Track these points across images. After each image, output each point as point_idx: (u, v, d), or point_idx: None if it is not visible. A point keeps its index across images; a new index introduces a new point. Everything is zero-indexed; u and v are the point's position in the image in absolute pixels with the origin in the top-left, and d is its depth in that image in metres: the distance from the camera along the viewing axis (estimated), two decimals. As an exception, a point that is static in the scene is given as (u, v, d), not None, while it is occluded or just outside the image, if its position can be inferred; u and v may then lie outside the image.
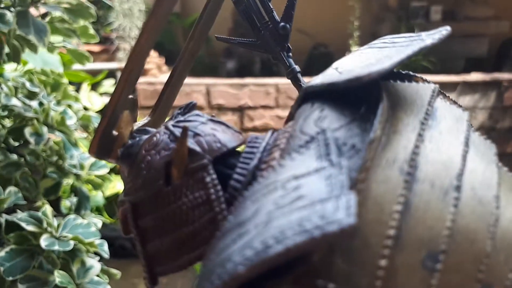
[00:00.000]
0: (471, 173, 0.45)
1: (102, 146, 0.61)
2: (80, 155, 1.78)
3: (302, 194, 0.39)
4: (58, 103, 1.84)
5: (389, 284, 0.40)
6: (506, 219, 0.44)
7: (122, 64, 2.64)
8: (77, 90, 2.21)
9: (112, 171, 2.36)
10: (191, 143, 0.55)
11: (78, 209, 1.74)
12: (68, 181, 1.82)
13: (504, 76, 3.62)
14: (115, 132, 0.62)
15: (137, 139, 0.62)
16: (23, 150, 1.78)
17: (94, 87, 2.47)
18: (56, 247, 1.53)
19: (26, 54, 1.74)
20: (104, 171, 1.87)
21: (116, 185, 2.32)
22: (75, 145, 1.84)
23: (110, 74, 2.60)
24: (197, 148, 0.55)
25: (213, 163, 0.55)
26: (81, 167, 1.80)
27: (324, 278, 0.39)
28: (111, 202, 2.35)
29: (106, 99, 2.58)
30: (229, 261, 0.36)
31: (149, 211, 0.54)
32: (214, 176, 0.54)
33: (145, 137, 0.61)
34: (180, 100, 3.12)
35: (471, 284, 0.41)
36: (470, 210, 0.43)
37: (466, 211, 0.43)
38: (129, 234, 0.56)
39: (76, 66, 2.47)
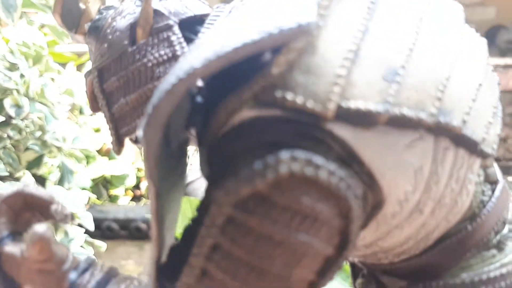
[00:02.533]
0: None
1: (68, 15, 0.60)
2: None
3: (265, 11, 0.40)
4: (41, 75, 1.81)
5: (347, 93, 0.39)
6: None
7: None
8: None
9: (99, 152, 2.33)
10: (156, 4, 0.56)
11: (61, 182, 1.71)
12: (51, 155, 1.78)
13: (489, 62, 3.59)
14: (82, 5, 0.61)
15: (104, 14, 0.61)
16: (6, 126, 1.74)
17: (80, 68, 2.45)
18: None
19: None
20: (87, 145, 1.84)
21: (103, 168, 2.29)
22: (57, 118, 1.81)
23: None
24: (163, 10, 0.56)
25: (180, 27, 0.55)
26: (63, 140, 1.77)
27: (282, 89, 0.39)
28: (98, 184, 2.32)
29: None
30: (186, 63, 0.37)
31: (115, 72, 0.54)
32: (180, 35, 0.55)
33: (112, 11, 0.61)
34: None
35: (431, 101, 0.41)
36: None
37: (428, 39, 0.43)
38: (97, 110, 0.55)
39: (61, 48, 2.44)
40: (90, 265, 0.46)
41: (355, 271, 0.59)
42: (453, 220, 0.47)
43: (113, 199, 2.31)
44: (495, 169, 0.52)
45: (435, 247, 0.49)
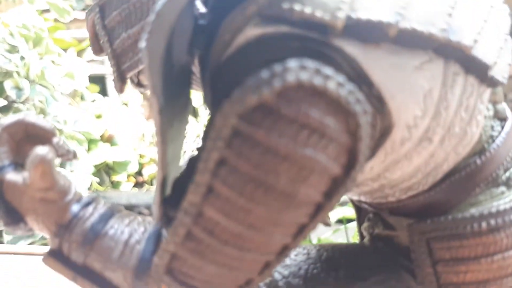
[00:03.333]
0: None
1: None
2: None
3: None
4: (41, 58, 1.80)
5: (357, 3, 0.38)
6: None
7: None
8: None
9: (101, 139, 2.32)
10: None
11: (63, 165, 1.70)
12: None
13: None
14: None
15: None
16: (7, 110, 1.73)
17: (81, 54, 2.44)
18: None
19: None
20: (88, 128, 1.83)
21: (105, 154, 2.28)
22: (57, 101, 1.80)
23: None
24: None
25: None
26: (65, 122, 1.76)
27: (289, 0, 0.38)
28: (100, 170, 2.31)
29: (93, 66, 2.54)
30: None
31: (116, 7, 0.51)
32: None
33: None
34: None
35: (442, 17, 0.40)
36: None
37: None
38: (98, 53, 0.53)
39: (62, 34, 2.43)
40: (93, 200, 0.45)
41: (361, 215, 0.59)
42: (462, 152, 0.46)
43: (115, 185, 2.30)
44: (505, 106, 0.51)
45: (444, 182, 0.48)
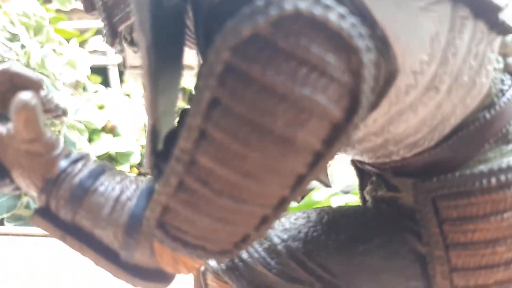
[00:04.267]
0: None
1: None
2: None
3: None
4: (42, 46, 1.79)
5: None
6: None
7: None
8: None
9: (103, 130, 2.30)
10: None
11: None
12: (53, 127, 1.75)
13: None
14: None
15: None
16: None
17: (83, 45, 2.42)
18: None
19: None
20: (89, 117, 1.82)
21: (108, 145, 2.27)
22: (58, 89, 1.78)
23: (99, 31, 2.55)
24: None
25: None
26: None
27: None
28: (102, 161, 2.30)
29: (95, 56, 2.52)
30: None
31: None
32: None
33: None
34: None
35: None
36: None
37: None
38: (90, 11, 0.51)
39: (64, 25, 2.41)
40: (83, 156, 0.43)
41: (364, 180, 0.57)
42: (471, 104, 0.44)
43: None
44: None
45: (451, 138, 0.45)
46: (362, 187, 0.57)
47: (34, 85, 0.44)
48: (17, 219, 1.54)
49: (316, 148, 0.36)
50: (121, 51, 0.53)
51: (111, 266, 0.41)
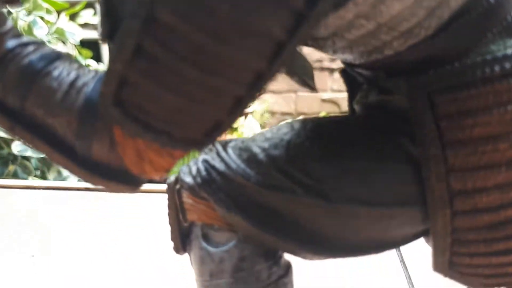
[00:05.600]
0: None
1: None
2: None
3: None
4: (29, 13, 1.74)
5: None
6: None
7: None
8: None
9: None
10: None
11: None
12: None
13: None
14: None
15: None
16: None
17: (73, 17, 2.36)
18: (29, 153, 1.44)
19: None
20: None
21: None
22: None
23: (89, 4, 2.47)
24: None
25: None
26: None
27: None
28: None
29: (86, 31, 2.46)
30: None
31: None
32: None
33: None
34: None
35: None
36: None
37: None
38: None
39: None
40: (36, 42, 0.38)
41: (353, 91, 0.52)
42: None
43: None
44: None
45: (450, 26, 0.41)
46: (351, 99, 0.52)
47: None
48: (5, 187, 1.51)
49: (258, 68, 0.33)
50: None
51: (66, 161, 0.37)
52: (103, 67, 2.34)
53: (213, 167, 0.46)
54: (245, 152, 0.46)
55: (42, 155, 1.45)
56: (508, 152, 0.40)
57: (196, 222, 0.49)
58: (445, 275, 0.48)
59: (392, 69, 0.44)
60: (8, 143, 1.48)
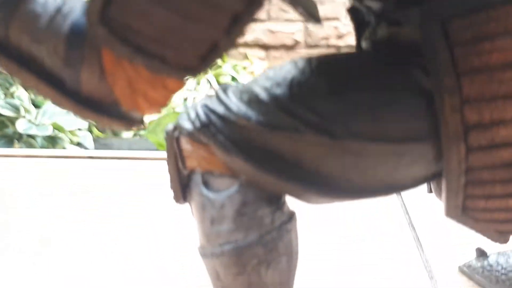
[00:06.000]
0: None
1: None
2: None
3: None
4: None
5: None
6: None
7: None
8: None
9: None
10: None
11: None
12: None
13: None
14: None
15: None
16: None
17: None
18: (34, 131, 1.44)
19: None
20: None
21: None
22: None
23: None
24: None
25: None
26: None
27: None
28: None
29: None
30: None
31: None
32: None
33: None
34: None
35: None
36: None
37: None
38: None
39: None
40: None
41: (361, 29, 0.50)
42: None
43: (116, 133, 2.26)
44: None
45: None
46: (359, 38, 0.50)
47: None
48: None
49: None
50: None
51: (55, 94, 0.36)
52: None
53: (212, 110, 0.45)
54: (246, 93, 0.45)
55: (48, 133, 1.44)
56: None
57: (196, 169, 0.48)
58: (458, 221, 0.45)
59: None
60: (13, 121, 1.48)
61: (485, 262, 0.71)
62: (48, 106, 1.53)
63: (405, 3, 0.42)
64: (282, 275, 0.49)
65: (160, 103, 0.37)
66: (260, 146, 0.44)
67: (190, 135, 0.47)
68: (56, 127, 1.48)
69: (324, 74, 0.44)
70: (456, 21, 0.39)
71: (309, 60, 0.46)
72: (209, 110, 0.45)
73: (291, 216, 0.50)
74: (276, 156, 0.44)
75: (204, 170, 0.47)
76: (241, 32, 0.34)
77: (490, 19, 0.38)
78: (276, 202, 0.48)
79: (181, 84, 0.36)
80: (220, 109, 0.45)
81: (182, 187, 0.50)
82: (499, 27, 0.37)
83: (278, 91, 0.44)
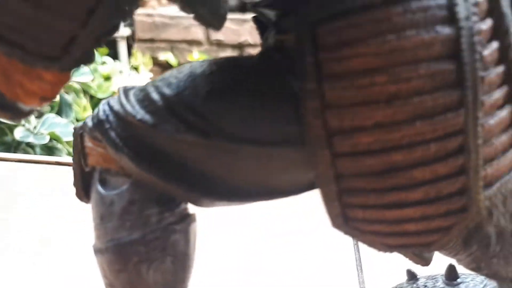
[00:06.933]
0: None
1: None
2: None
3: None
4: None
5: None
6: None
7: None
8: None
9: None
10: None
11: (59, 113, 1.63)
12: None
13: None
14: None
15: None
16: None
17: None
18: (31, 139, 1.45)
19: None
20: (87, 78, 1.74)
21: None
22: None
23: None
24: None
25: None
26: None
27: None
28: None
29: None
30: None
31: None
32: None
33: None
34: (178, 34, 2.89)
35: None
36: None
37: None
38: None
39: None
40: None
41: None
42: None
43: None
44: None
45: None
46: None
47: None
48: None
49: None
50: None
51: None
52: (119, 64, 2.33)
53: (111, 108, 0.45)
54: (142, 92, 0.46)
55: (45, 142, 1.43)
56: (387, 87, 0.37)
57: (96, 167, 0.48)
58: (344, 232, 0.44)
59: (287, 5, 0.42)
60: (11, 129, 1.48)
61: (414, 285, 0.69)
62: (48, 116, 1.52)
63: (289, 10, 0.42)
64: (165, 275, 0.49)
65: (38, 95, 0.36)
66: (148, 145, 0.45)
67: (91, 132, 0.47)
68: (54, 137, 1.49)
69: (213, 75, 0.45)
70: (323, 26, 0.39)
71: (201, 63, 0.47)
72: (109, 107, 0.46)
73: (184, 217, 0.49)
74: (162, 157, 0.45)
75: (103, 168, 0.48)
76: (101, 26, 0.34)
77: (351, 25, 0.38)
78: (167, 203, 0.48)
79: (61, 76, 0.36)
80: (116, 106, 0.45)
81: (85, 185, 0.50)
82: (359, 34, 0.37)
83: (167, 91, 0.45)
